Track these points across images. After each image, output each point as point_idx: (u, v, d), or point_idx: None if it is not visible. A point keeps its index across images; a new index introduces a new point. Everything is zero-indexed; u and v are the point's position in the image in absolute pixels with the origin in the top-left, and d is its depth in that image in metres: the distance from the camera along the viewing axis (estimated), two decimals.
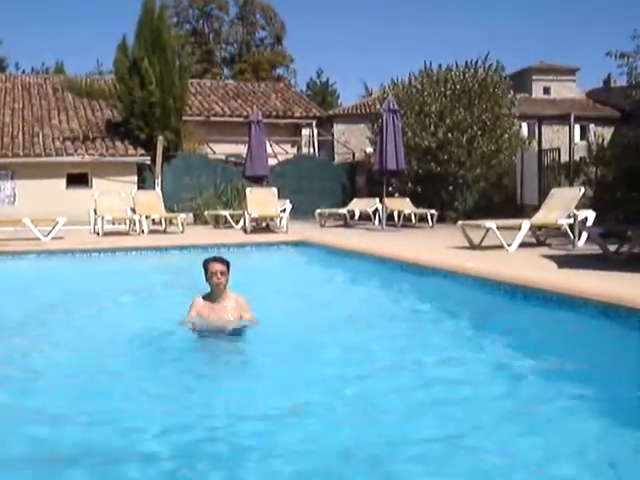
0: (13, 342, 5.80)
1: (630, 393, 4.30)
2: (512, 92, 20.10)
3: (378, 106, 19.66)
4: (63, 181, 20.38)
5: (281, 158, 23.31)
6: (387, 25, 73.40)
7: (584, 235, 10.47)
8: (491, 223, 10.43)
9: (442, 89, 18.82)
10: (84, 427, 3.84)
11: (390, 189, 17.89)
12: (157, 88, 19.87)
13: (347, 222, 17.79)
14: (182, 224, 15.62)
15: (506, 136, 19.05)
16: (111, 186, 19.29)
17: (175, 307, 6.05)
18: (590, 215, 10.95)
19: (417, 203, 17.61)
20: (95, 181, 20.46)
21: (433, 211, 16.61)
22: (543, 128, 16.10)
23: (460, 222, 11.40)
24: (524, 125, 24.12)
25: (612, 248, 9.16)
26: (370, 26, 73.23)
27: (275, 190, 16.13)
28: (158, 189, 18.52)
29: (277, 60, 47.24)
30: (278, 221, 15.84)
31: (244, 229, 15.29)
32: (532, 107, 26.38)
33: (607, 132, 22.63)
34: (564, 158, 15.07)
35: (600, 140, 16.43)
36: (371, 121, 21.42)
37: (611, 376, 4.57)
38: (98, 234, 14.71)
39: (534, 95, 30.99)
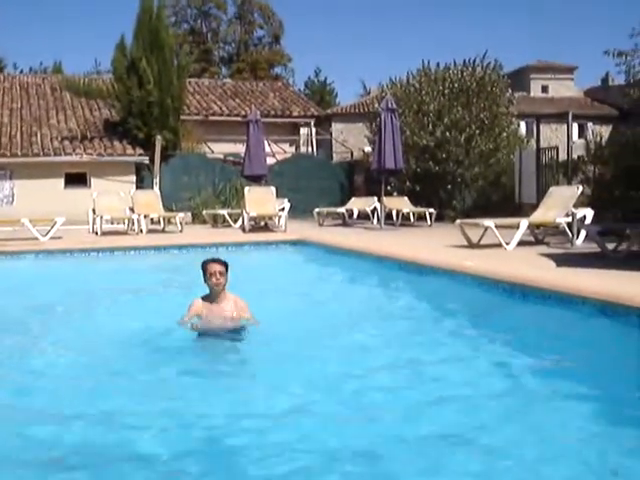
0: (11, 342, 5.80)
1: (628, 391, 4.30)
2: (510, 91, 20.09)
3: (376, 105, 19.68)
4: (61, 181, 20.36)
5: (279, 157, 23.31)
6: (385, 24, 73.45)
7: (582, 233, 10.48)
8: (489, 222, 10.44)
9: (440, 88, 18.83)
10: (82, 426, 3.83)
11: (388, 188, 17.91)
12: (155, 87, 19.86)
13: (345, 221, 17.79)
14: (181, 223, 15.63)
15: (504, 135, 19.05)
16: (109, 186, 19.29)
17: (174, 306, 6.05)
18: (588, 213, 10.97)
19: (415, 202, 17.61)
20: (93, 181, 20.46)
21: (431, 210, 16.62)
22: (541, 127, 16.08)
23: (458, 221, 11.41)
24: (522, 124, 24.12)
25: (610, 246, 9.17)
26: (368, 25, 73.34)
27: (273, 189, 16.13)
28: (156, 188, 18.53)
29: (275, 59, 47.22)
30: (276, 220, 15.85)
31: (242, 228, 15.29)
32: (530, 106, 26.39)
33: (605, 130, 22.62)
34: (562, 156, 15.08)
35: (598, 138, 16.44)
36: (369, 120, 21.42)
37: (609, 374, 4.58)
38: (97, 234, 14.70)
39: (532, 94, 30.99)
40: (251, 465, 3.34)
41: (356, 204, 18.17)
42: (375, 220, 17.03)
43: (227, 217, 16.90)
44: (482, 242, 10.69)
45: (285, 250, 12.49)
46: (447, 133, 18.12)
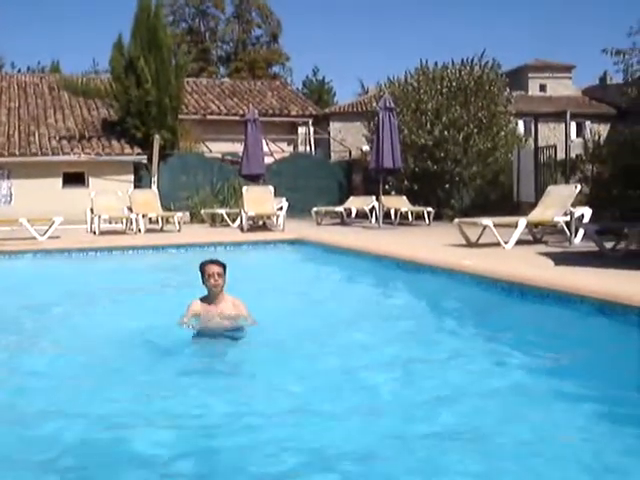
0: (9, 341, 5.79)
1: (627, 390, 4.31)
2: (508, 90, 20.09)
3: (374, 104, 19.64)
4: (59, 180, 20.34)
5: (277, 156, 23.29)
6: (383, 23, 73.48)
7: (580, 232, 10.49)
8: (488, 221, 10.45)
9: (438, 87, 18.82)
10: (80, 426, 3.83)
11: (387, 187, 17.91)
12: (153, 87, 19.85)
13: (344, 220, 17.79)
14: (179, 223, 15.62)
15: (502, 134, 19.04)
16: (107, 185, 19.27)
17: (172, 306, 6.04)
18: (586, 212, 10.98)
19: (414, 201, 17.61)
20: (91, 180, 20.43)
21: (430, 209, 16.62)
22: (539, 125, 16.09)
23: (457, 220, 11.41)
24: (520, 123, 24.11)
25: (608, 245, 9.18)
26: (366, 24, 73.33)
27: (271, 188, 16.12)
28: (155, 188, 18.51)
29: (273, 58, 47.19)
30: (275, 219, 15.85)
31: (241, 227, 15.28)
32: (528, 104, 26.41)
33: (603, 129, 22.62)
34: (560, 155, 15.09)
35: (596, 137, 16.44)
36: (367, 119, 21.41)
37: (608, 373, 4.58)
38: (95, 233, 14.69)
39: (530, 92, 31.01)
40: (250, 464, 3.34)
41: (354, 203, 18.17)
42: (373, 219, 17.04)
43: (225, 216, 16.89)
44: (480, 241, 10.69)
45: (283, 249, 12.49)
46: (445, 132, 18.11)
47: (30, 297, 7.70)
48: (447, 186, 18.52)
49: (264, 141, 18.40)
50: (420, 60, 19.87)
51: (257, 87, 28.73)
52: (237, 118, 23.13)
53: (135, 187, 19.46)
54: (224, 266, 5.58)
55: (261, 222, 16.61)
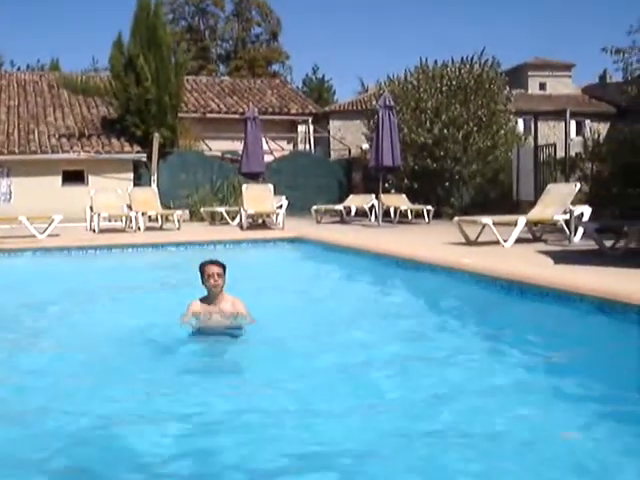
0: (8, 339, 5.79)
1: (626, 388, 4.30)
2: (508, 88, 20.08)
3: (374, 102, 19.61)
4: (59, 178, 20.32)
5: (277, 155, 23.28)
6: (383, 21, 73.41)
7: (580, 231, 10.49)
8: (487, 219, 10.45)
9: (438, 85, 18.81)
10: (80, 424, 3.83)
11: (386, 185, 17.90)
12: (153, 85, 19.83)
13: (343, 218, 17.79)
14: (178, 221, 15.62)
15: (502, 132, 19.04)
16: (107, 183, 19.23)
17: (172, 304, 6.05)
18: (586, 211, 10.98)
19: (413, 199, 17.62)
20: (91, 178, 20.42)
21: (429, 207, 16.63)
22: (539, 124, 16.07)
23: (456, 218, 11.41)
24: (520, 121, 24.12)
25: (608, 244, 9.18)
26: (366, 22, 73.27)
27: (271, 187, 16.11)
28: (154, 186, 18.49)
29: (273, 57, 47.15)
30: (274, 218, 15.84)
31: (240, 226, 15.28)
32: (528, 103, 26.37)
33: (603, 128, 22.64)
34: (560, 154, 15.08)
35: (596, 136, 16.45)
36: (367, 117, 21.38)
37: (607, 371, 4.58)
38: (94, 231, 14.68)
39: (530, 91, 30.98)
40: (249, 462, 3.34)
41: (354, 201, 18.17)
42: (373, 217, 17.04)
43: (225, 215, 16.88)
44: (480, 239, 10.70)
45: (283, 247, 12.49)
46: (445, 130, 18.11)
47: (29, 295, 7.70)
48: (447, 184, 18.52)
49: (264, 139, 18.39)
50: (420, 58, 19.89)
51: (257, 85, 28.71)
52: (237, 116, 23.12)
53: (135, 185, 19.43)
54: (224, 266, 5.58)
55: (261, 220, 16.61)
